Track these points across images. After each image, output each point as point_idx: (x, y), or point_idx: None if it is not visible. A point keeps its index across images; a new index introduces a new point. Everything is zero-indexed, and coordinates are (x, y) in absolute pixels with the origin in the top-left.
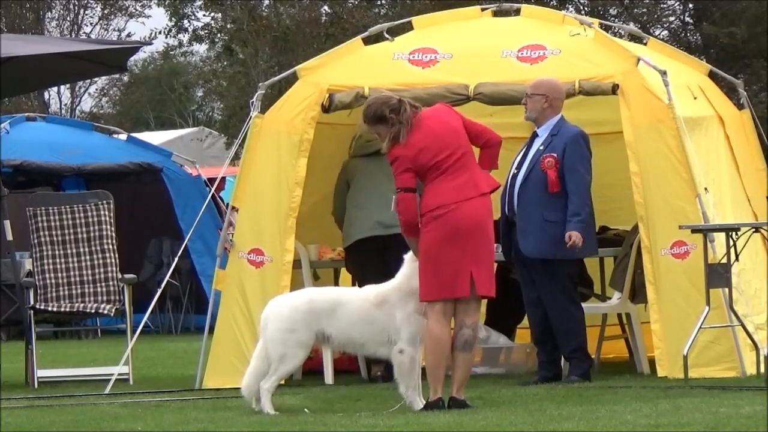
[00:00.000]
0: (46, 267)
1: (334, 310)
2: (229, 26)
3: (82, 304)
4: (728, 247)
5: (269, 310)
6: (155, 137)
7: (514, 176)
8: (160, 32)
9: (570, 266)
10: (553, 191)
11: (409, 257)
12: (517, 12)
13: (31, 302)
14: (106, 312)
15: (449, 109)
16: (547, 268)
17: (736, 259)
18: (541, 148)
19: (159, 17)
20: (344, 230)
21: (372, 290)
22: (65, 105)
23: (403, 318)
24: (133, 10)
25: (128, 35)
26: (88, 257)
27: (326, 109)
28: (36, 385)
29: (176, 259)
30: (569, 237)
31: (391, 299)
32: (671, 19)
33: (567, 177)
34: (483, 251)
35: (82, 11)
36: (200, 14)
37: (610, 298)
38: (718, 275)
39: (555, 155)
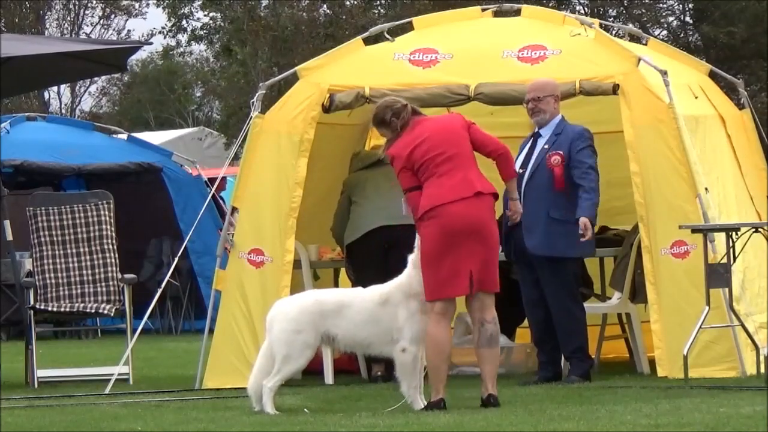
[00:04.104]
0: (46, 267)
1: (340, 311)
2: (228, 26)
3: (82, 304)
4: (728, 247)
5: (276, 311)
6: (155, 137)
7: (520, 176)
8: (159, 31)
9: (575, 265)
10: (559, 188)
11: (412, 258)
12: (518, 12)
13: (31, 302)
14: (106, 312)
15: (457, 116)
16: (553, 266)
17: (734, 259)
18: (546, 147)
19: (156, 16)
20: (348, 228)
21: (376, 290)
22: (65, 105)
23: (406, 317)
24: (132, 10)
25: (127, 33)
26: (88, 257)
27: (327, 109)
28: (36, 385)
29: (176, 260)
30: (584, 225)
31: (394, 298)
32: (670, 19)
33: (574, 171)
34: (479, 249)
35: (82, 11)
36: (199, 14)
37: (610, 298)
38: (718, 275)
39: (561, 152)
